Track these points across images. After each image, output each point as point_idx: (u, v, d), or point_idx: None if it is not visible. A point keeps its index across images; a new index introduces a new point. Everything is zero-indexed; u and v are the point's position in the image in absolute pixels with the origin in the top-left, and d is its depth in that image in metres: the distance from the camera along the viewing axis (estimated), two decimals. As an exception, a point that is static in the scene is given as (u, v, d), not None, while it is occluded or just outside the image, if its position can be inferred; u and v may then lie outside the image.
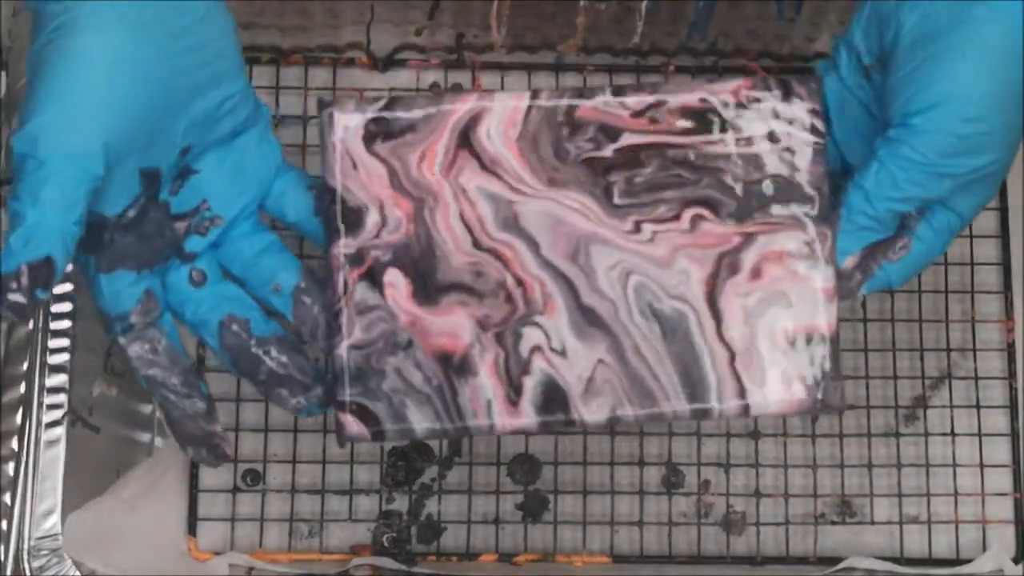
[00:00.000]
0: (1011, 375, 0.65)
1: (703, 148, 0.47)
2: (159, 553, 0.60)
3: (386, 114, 0.47)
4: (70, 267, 0.47)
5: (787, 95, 0.47)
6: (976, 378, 0.65)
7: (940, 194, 0.46)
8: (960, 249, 0.66)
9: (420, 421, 0.47)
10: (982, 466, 0.64)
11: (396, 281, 0.47)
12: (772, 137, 0.47)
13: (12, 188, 0.40)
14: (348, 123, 0.47)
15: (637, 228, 0.46)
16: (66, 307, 0.58)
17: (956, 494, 0.64)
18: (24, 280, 0.40)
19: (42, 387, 0.57)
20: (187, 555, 0.62)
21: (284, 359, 0.48)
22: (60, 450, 0.57)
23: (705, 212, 0.47)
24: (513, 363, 0.46)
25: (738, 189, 0.47)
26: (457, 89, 0.67)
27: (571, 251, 0.46)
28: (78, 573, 0.56)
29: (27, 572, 0.56)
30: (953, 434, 0.64)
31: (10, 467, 0.56)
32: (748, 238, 0.46)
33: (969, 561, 0.63)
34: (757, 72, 0.66)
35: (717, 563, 0.63)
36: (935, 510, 0.64)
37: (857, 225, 0.47)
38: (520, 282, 0.47)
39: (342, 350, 0.47)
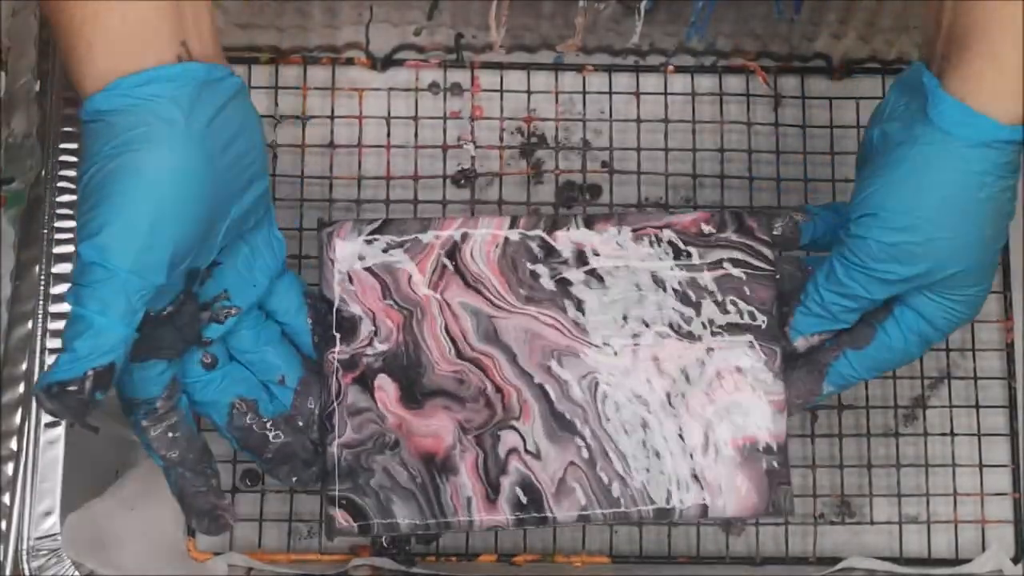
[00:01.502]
0: (1010, 375, 0.65)
1: (664, 272, 0.52)
2: (158, 553, 0.60)
3: (380, 236, 0.52)
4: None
5: (740, 227, 0.52)
6: (975, 378, 0.65)
7: (881, 296, 0.50)
8: (959, 249, 0.66)
9: (404, 516, 0.50)
10: (981, 466, 0.64)
11: (385, 386, 0.51)
12: (726, 264, 0.52)
13: (75, 292, 0.43)
14: (346, 242, 0.52)
15: (606, 342, 0.51)
16: (65, 308, 0.58)
17: (955, 494, 0.64)
18: (89, 384, 0.42)
19: (41, 387, 0.57)
20: (186, 555, 0.62)
21: (289, 438, 0.51)
22: (59, 450, 0.57)
23: (666, 330, 0.52)
24: (491, 463, 0.51)
25: (695, 310, 0.52)
26: (456, 89, 0.67)
27: (545, 362, 0.51)
28: (77, 573, 0.56)
29: (26, 572, 0.56)
30: (952, 434, 0.65)
31: (9, 467, 0.56)
32: (706, 354, 0.51)
33: (968, 561, 0.63)
34: (757, 72, 0.66)
35: (716, 563, 0.63)
36: (934, 510, 0.64)
37: (810, 312, 0.51)
38: (499, 389, 0.51)
39: (334, 448, 0.51)
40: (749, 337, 0.51)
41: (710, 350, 0.51)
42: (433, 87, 0.67)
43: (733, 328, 0.52)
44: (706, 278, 0.52)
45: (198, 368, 0.49)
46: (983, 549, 0.64)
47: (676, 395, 0.51)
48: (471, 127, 0.67)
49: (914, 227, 0.48)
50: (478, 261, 0.52)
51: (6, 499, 0.56)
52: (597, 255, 0.52)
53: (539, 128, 0.67)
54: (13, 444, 0.57)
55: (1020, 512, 0.64)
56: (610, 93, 0.67)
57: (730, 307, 0.52)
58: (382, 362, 0.51)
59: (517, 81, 0.67)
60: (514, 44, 0.67)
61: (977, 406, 0.65)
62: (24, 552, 0.56)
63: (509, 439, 0.51)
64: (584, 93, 0.67)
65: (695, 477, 0.51)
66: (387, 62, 0.67)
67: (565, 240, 0.52)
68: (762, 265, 0.52)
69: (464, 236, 0.52)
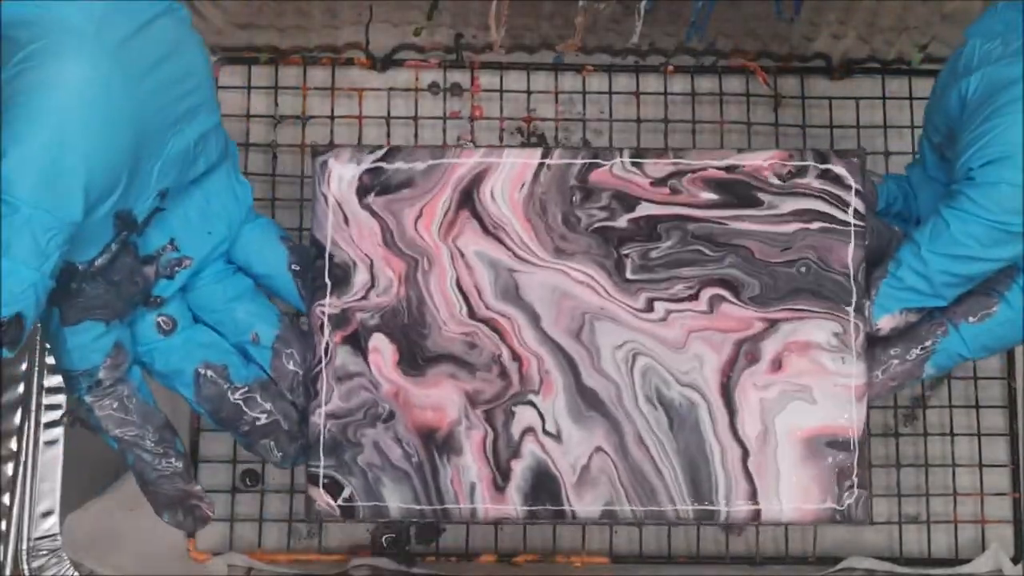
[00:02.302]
0: (1009, 375, 0.65)
1: (728, 223, 0.44)
2: (158, 553, 0.60)
3: (384, 165, 0.44)
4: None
5: (825, 171, 0.44)
6: (975, 378, 0.65)
7: (1004, 258, 0.43)
8: (958, 249, 0.66)
9: (395, 500, 0.43)
10: (981, 466, 0.64)
11: (381, 347, 0.44)
12: (805, 216, 0.44)
13: None
14: (343, 173, 0.44)
15: (649, 306, 0.43)
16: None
17: (955, 494, 0.64)
18: None
19: (41, 387, 0.57)
20: (186, 555, 0.62)
21: (268, 406, 0.45)
22: (59, 450, 0.57)
23: (726, 293, 0.44)
24: (502, 444, 0.43)
25: (764, 270, 0.44)
26: (456, 90, 0.67)
27: (575, 327, 0.43)
28: (76, 573, 0.56)
29: (26, 572, 0.56)
30: (952, 434, 0.65)
31: (9, 467, 0.56)
32: (771, 325, 0.43)
33: (968, 561, 0.63)
34: (756, 72, 0.66)
35: (716, 563, 0.63)
36: (934, 510, 0.64)
37: (903, 283, 0.44)
38: (516, 357, 0.44)
39: (317, 417, 0.44)
40: (826, 306, 0.43)
41: (777, 320, 0.43)
42: (433, 87, 0.67)
43: (806, 295, 0.43)
44: (778, 232, 0.44)
45: (153, 333, 0.44)
46: (982, 549, 0.64)
47: (731, 373, 0.43)
48: (471, 127, 0.67)
49: None
50: (500, 202, 0.44)
51: (6, 499, 0.56)
52: (646, 200, 0.44)
53: (539, 128, 0.67)
54: (12, 444, 0.57)
55: (1020, 512, 0.64)
56: (610, 93, 0.67)
57: (804, 269, 0.43)
58: (379, 319, 0.44)
59: (517, 81, 0.67)
60: (514, 44, 0.67)
61: (977, 406, 0.65)
62: (24, 552, 0.56)
63: (525, 416, 0.43)
64: (584, 93, 0.67)
65: (747, 474, 0.43)
66: (387, 62, 0.67)
67: (607, 180, 0.44)
68: (848, 219, 0.43)
69: (485, 170, 0.44)
